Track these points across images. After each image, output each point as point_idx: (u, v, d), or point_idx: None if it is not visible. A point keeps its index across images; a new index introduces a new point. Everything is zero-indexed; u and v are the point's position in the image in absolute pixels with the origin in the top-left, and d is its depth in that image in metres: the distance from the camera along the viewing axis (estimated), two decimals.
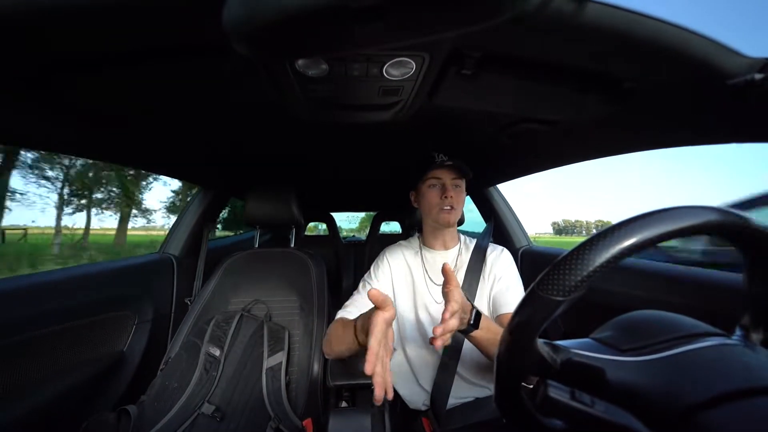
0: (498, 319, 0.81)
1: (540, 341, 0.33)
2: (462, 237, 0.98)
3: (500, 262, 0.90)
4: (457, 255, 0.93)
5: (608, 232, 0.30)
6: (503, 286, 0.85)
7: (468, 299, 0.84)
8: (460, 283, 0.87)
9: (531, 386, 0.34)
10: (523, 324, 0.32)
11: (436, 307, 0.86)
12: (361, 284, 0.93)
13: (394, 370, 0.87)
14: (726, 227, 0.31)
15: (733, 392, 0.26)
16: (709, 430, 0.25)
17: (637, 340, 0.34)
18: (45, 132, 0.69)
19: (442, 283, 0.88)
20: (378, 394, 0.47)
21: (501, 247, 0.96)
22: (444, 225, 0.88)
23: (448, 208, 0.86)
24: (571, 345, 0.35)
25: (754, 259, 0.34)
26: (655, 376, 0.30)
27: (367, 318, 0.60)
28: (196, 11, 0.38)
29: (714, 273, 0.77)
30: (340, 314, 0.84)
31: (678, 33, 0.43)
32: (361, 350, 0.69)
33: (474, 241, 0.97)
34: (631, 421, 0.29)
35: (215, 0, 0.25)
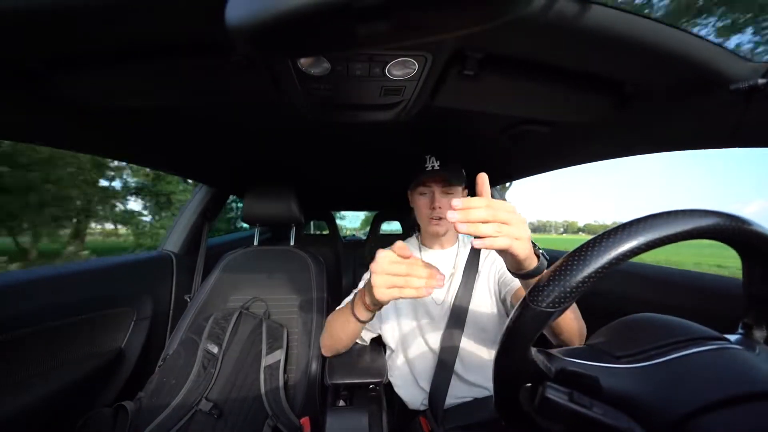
0: (516, 293, 0.79)
1: (534, 350, 0.33)
2: (459, 235, 0.98)
3: (498, 259, 0.90)
4: (456, 254, 0.94)
5: (597, 242, 0.30)
6: (506, 274, 0.85)
7: (467, 297, 0.84)
8: (459, 281, 0.87)
9: (530, 384, 0.34)
10: (516, 334, 0.32)
11: (437, 308, 0.86)
12: (361, 283, 0.93)
13: (393, 373, 0.88)
14: (721, 230, 0.31)
15: (726, 399, 0.26)
16: None
17: (632, 346, 0.34)
18: (46, 128, 0.70)
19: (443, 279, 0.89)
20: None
21: None
22: (433, 236, 0.89)
23: (437, 219, 0.85)
24: (565, 353, 0.35)
25: (753, 260, 0.34)
26: (649, 383, 0.30)
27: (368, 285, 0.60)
28: (199, 10, 0.38)
29: (714, 276, 0.77)
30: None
31: (681, 36, 0.43)
32: (357, 328, 0.72)
33: (471, 238, 0.97)
34: (630, 424, 0.29)
35: None
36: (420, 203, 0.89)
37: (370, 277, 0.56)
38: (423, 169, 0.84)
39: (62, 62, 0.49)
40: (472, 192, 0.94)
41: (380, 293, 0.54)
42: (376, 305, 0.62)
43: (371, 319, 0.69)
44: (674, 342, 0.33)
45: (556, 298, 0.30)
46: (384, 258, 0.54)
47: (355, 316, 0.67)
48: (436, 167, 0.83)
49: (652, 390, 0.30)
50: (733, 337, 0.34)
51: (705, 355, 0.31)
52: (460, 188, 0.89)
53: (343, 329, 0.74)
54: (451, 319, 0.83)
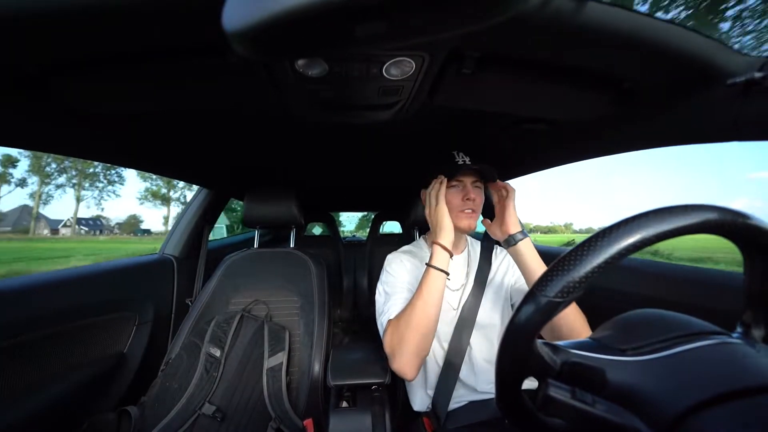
0: None
1: (539, 342, 0.33)
2: (468, 239, 0.97)
3: (512, 266, 0.91)
4: (467, 261, 0.92)
5: (606, 233, 0.30)
6: (520, 281, 0.87)
7: (477, 304, 0.84)
8: (471, 284, 0.87)
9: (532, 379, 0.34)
10: (522, 325, 0.32)
11: (453, 314, 0.85)
12: (383, 292, 0.86)
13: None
14: (726, 225, 0.31)
15: (731, 392, 0.26)
16: (708, 430, 0.25)
17: (637, 339, 0.34)
18: (45, 133, 0.70)
19: (457, 288, 0.89)
20: None
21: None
22: (464, 230, 0.84)
23: (469, 210, 0.83)
24: (571, 345, 0.35)
25: (754, 256, 0.34)
26: (653, 376, 0.30)
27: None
28: (196, 12, 0.38)
29: (715, 271, 0.77)
30: (389, 316, 0.77)
31: (678, 32, 0.43)
32: (443, 287, 0.74)
33: (478, 243, 0.97)
34: (633, 420, 0.29)
35: (215, 1, 0.25)
36: (450, 197, 0.84)
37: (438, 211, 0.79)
38: (455, 164, 0.81)
39: (60, 67, 0.49)
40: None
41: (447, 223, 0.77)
42: (442, 244, 0.75)
43: (447, 266, 0.75)
44: (678, 336, 0.33)
45: (565, 287, 0.30)
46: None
47: (438, 269, 0.73)
48: (467, 162, 0.81)
49: (656, 383, 0.30)
50: (732, 335, 0.34)
51: (708, 348, 0.31)
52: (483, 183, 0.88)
53: (431, 300, 0.70)
54: (459, 323, 0.83)
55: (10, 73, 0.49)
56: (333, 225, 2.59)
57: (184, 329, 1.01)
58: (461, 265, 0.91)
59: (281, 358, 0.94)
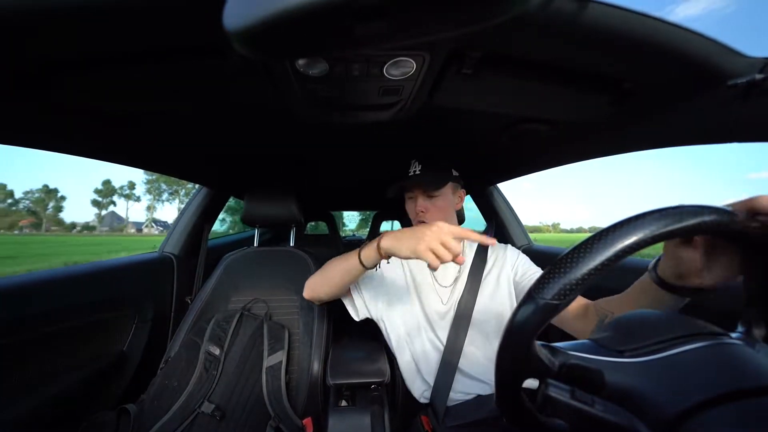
0: None
1: (538, 344, 0.33)
2: None
3: (508, 261, 0.90)
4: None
5: (603, 234, 0.30)
6: (525, 277, 0.86)
7: (472, 299, 0.85)
8: (465, 281, 0.87)
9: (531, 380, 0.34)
10: (520, 327, 0.32)
11: (442, 309, 0.86)
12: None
13: (400, 366, 0.88)
14: (724, 226, 0.31)
15: (730, 393, 0.26)
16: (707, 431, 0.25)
17: (635, 340, 0.34)
18: (45, 132, 0.70)
19: (448, 284, 0.89)
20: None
21: (504, 245, 0.96)
22: None
23: (421, 223, 0.85)
24: (569, 347, 0.35)
25: (752, 256, 0.34)
26: (652, 377, 0.30)
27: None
28: (196, 12, 0.38)
29: None
30: None
31: (678, 33, 0.43)
32: (355, 273, 0.73)
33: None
34: (632, 420, 0.29)
35: (215, 1, 0.25)
36: (408, 208, 0.90)
37: (419, 229, 0.64)
38: (406, 175, 0.86)
39: (60, 66, 0.49)
40: (472, 191, 0.95)
41: (414, 249, 0.61)
42: (390, 255, 0.66)
43: (373, 267, 0.72)
44: (676, 337, 0.33)
45: (562, 290, 0.30)
46: (452, 231, 0.62)
47: (360, 259, 0.69)
48: (417, 172, 0.84)
49: (654, 384, 0.30)
50: (732, 335, 0.34)
51: (707, 349, 0.31)
52: (448, 190, 0.89)
53: (339, 270, 0.75)
54: (456, 320, 0.83)
55: (10, 72, 0.49)
56: (333, 224, 2.59)
57: (184, 328, 1.02)
58: (452, 263, 0.92)
59: (280, 356, 0.94)
